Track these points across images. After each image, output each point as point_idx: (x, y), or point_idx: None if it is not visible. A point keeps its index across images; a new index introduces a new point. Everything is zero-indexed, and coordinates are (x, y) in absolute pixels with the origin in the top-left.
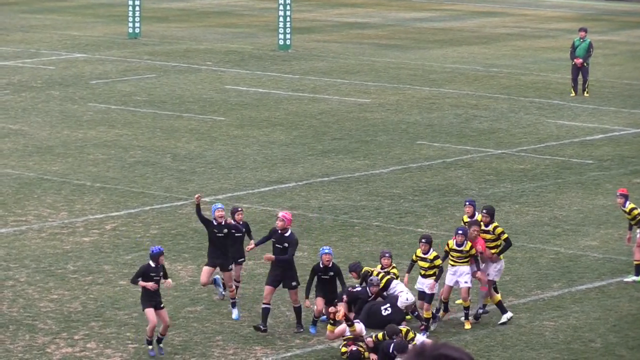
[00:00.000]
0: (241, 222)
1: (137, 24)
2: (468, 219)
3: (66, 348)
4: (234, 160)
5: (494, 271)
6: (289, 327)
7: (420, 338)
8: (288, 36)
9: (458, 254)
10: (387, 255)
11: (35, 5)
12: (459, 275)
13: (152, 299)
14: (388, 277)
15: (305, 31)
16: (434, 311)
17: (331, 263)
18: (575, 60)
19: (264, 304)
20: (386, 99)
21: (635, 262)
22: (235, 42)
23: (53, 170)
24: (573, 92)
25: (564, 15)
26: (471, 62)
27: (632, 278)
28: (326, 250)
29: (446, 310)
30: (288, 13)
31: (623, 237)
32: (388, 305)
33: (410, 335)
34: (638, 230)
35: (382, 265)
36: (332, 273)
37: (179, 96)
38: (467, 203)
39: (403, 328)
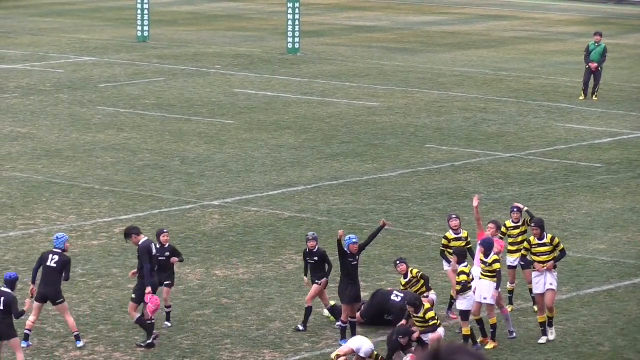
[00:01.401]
0: (167, 245)
1: (145, 28)
2: (512, 224)
3: (74, 351)
4: (243, 163)
5: (552, 279)
6: (297, 330)
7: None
8: (297, 40)
9: (482, 266)
10: (453, 217)
11: (44, 9)
12: (482, 290)
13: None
14: (421, 282)
15: (314, 35)
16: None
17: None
18: (590, 64)
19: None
20: (395, 103)
21: None
22: (244, 45)
23: (62, 173)
24: (583, 95)
25: (572, 18)
26: (480, 66)
27: None
28: (354, 240)
29: (484, 335)
30: (297, 17)
31: (632, 240)
32: (402, 295)
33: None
34: None
35: (452, 228)
36: (358, 257)
37: (187, 100)
38: (515, 209)
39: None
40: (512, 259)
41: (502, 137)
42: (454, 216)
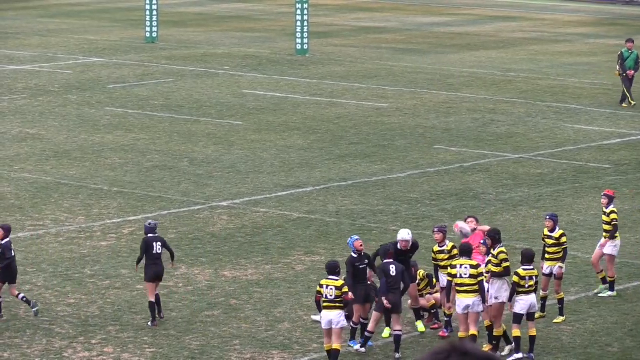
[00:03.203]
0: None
1: (154, 29)
2: (548, 233)
3: (83, 352)
4: (252, 164)
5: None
6: (306, 331)
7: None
8: (305, 41)
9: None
10: (436, 230)
11: (53, 10)
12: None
13: None
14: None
15: (322, 35)
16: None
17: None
18: (627, 72)
19: None
20: (404, 104)
21: (610, 279)
22: (253, 46)
23: (70, 174)
24: (632, 101)
25: (581, 19)
26: (488, 67)
27: (608, 293)
28: (356, 237)
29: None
30: (305, 17)
31: None
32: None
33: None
34: (610, 243)
35: (436, 240)
36: (367, 261)
37: (196, 100)
38: (547, 217)
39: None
40: (546, 267)
41: (511, 138)
42: (436, 229)
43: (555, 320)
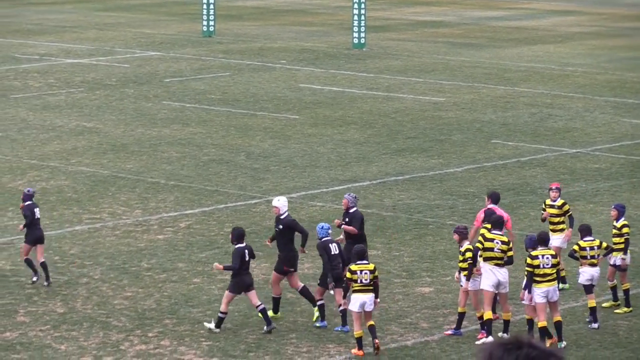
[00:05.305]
0: None
1: (211, 22)
2: (615, 222)
3: (140, 345)
4: (308, 158)
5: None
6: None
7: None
8: (362, 34)
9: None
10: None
11: (110, 3)
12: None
13: None
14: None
15: (379, 29)
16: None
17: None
18: None
19: None
20: (461, 98)
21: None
22: (310, 40)
23: (127, 168)
24: None
25: (639, 14)
26: (546, 61)
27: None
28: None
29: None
30: (362, 11)
31: None
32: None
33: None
34: (558, 235)
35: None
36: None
37: (253, 94)
38: (613, 207)
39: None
40: (611, 257)
41: (568, 132)
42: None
43: (617, 310)
